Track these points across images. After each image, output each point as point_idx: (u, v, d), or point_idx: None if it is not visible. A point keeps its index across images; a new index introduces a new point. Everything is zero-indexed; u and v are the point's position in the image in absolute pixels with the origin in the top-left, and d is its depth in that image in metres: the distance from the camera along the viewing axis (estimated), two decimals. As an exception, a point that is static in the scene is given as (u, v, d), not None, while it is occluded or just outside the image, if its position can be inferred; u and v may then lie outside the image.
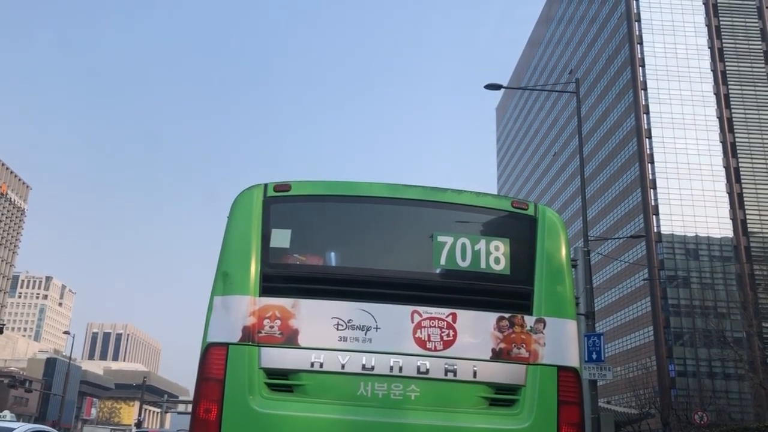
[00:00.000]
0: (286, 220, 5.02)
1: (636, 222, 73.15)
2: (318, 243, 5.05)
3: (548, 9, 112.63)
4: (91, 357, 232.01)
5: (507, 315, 4.77)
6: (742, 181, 73.66)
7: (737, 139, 75.23)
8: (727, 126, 75.38)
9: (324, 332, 4.63)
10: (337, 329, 4.64)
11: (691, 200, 72.06)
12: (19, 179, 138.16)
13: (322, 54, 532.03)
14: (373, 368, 4.56)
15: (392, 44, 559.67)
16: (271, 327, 4.64)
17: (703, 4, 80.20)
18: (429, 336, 4.65)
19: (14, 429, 9.39)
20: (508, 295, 4.86)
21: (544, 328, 4.77)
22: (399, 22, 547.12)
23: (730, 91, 76.80)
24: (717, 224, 71.73)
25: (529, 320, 4.78)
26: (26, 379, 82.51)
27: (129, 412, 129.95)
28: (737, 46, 78.93)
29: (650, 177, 73.12)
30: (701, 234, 71.37)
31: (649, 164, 73.59)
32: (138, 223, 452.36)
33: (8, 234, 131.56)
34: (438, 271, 4.91)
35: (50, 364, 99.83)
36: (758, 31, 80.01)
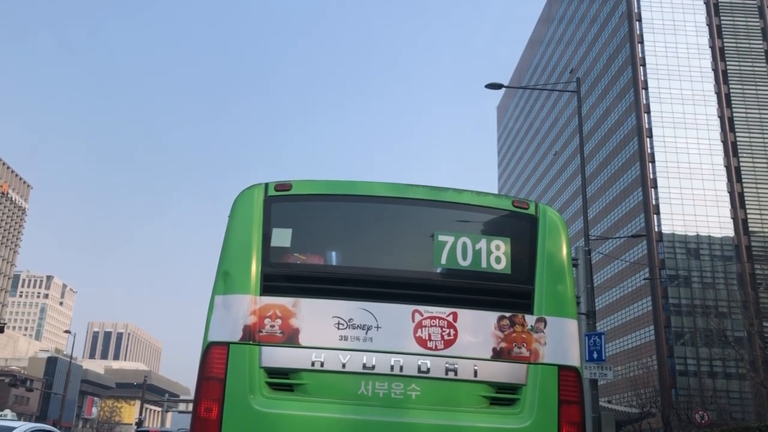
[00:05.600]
0: (286, 219, 5.02)
1: (637, 221, 73.13)
2: (319, 242, 5.05)
3: (549, 8, 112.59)
4: (92, 356, 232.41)
5: (508, 314, 4.77)
6: (743, 180, 73.63)
7: (738, 139, 75.19)
8: (728, 125, 75.35)
9: (325, 331, 4.63)
10: (338, 328, 4.64)
11: (692, 199, 72.05)
12: (20, 179, 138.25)
13: (322, 54, 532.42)
14: (373, 367, 4.56)
15: (392, 44, 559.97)
16: (272, 326, 4.64)
17: (704, 3, 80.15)
18: (430, 335, 4.66)
19: (15, 428, 9.38)
20: (508, 294, 4.86)
21: (544, 327, 4.77)
22: (399, 22, 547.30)
23: (731, 91, 76.77)
24: (718, 223, 71.70)
25: (530, 319, 4.78)
26: (27, 378, 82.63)
27: (130, 412, 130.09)
28: (738, 45, 78.88)
29: (651, 176, 73.10)
30: (702, 233, 71.35)
31: (650, 163, 73.57)
32: (139, 222, 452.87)
33: (9, 233, 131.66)
34: (439, 270, 4.91)
35: (51, 363, 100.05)
36: (759, 30, 79.95)
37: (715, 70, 77.64)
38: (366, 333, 4.63)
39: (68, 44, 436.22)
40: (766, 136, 75.90)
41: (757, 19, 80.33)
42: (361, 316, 4.66)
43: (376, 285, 4.76)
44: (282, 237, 4.93)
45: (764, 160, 74.80)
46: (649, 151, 74.07)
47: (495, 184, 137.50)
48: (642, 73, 77.21)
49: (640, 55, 77.83)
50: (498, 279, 4.88)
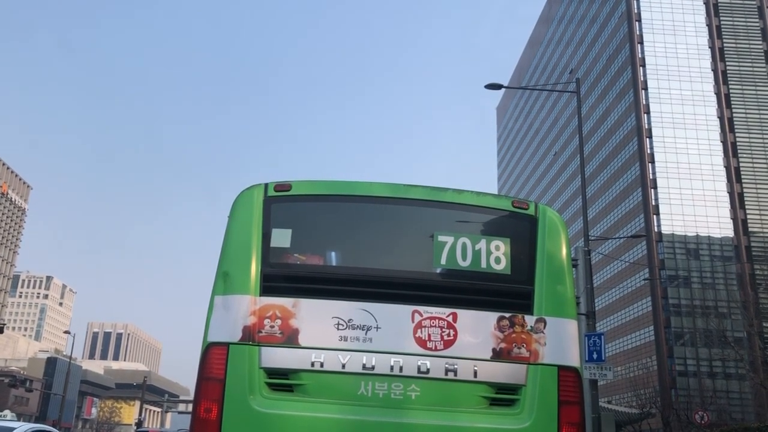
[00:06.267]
0: (286, 219, 5.02)
1: (636, 222, 73.14)
2: (318, 242, 5.04)
3: (548, 9, 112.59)
4: (91, 356, 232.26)
5: (507, 315, 4.76)
6: (743, 180, 73.64)
7: (738, 139, 75.22)
8: (727, 126, 75.36)
9: (324, 332, 4.63)
10: (338, 329, 4.63)
11: (692, 200, 72.05)
12: (20, 179, 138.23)
13: (322, 54, 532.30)
14: (373, 368, 4.56)
15: (392, 44, 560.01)
16: (272, 326, 4.64)
17: (704, 3, 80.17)
18: (429, 335, 4.65)
19: (15, 428, 9.39)
20: (508, 294, 4.85)
21: (544, 327, 4.77)
22: (399, 22, 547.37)
23: (731, 91, 76.78)
24: (717, 224, 71.71)
25: (530, 320, 4.77)
26: (27, 379, 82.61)
27: (129, 412, 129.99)
28: (738, 45, 78.89)
29: (651, 177, 73.11)
30: (702, 234, 71.35)
31: (650, 164, 73.58)
32: (138, 223, 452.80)
33: (9, 233, 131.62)
34: (438, 270, 4.91)
35: (51, 363, 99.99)
36: (759, 31, 79.97)
37: (714, 70, 77.65)
38: (366, 333, 4.63)
39: (68, 44, 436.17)
40: (765, 136, 75.92)
41: (757, 20, 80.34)
42: (360, 317, 4.65)
43: (376, 285, 4.76)
44: (282, 237, 4.92)
45: (764, 161, 74.81)
46: (648, 151, 74.07)
47: (495, 185, 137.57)
48: (642, 74, 77.22)
49: (640, 56, 77.83)
50: (498, 279, 4.88)
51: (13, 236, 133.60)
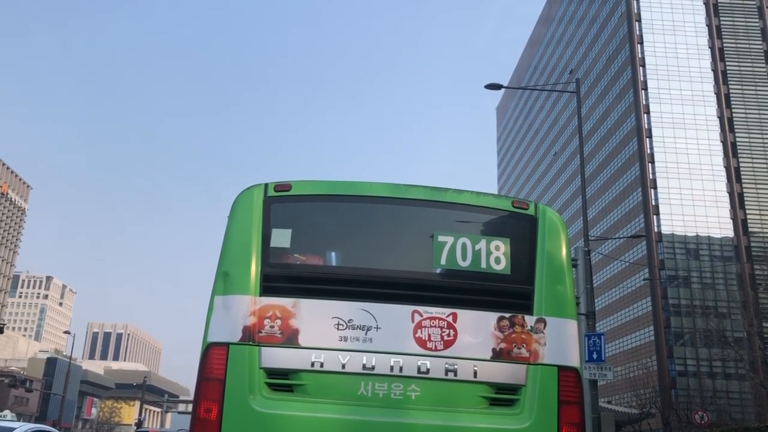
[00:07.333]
0: (286, 219, 5.02)
1: (636, 222, 73.14)
2: (318, 243, 5.04)
3: (548, 9, 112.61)
4: (91, 357, 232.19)
5: (507, 315, 4.76)
6: (743, 180, 73.64)
7: (738, 139, 75.22)
8: (727, 126, 75.36)
9: (324, 332, 4.63)
10: (338, 329, 4.63)
11: (692, 200, 72.05)
12: (20, 179, 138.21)
13: (322, 53, 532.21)
14: (373, 368, 4.56)
15: (392, 44, 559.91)
16: (272, 327, 4.64)
17: (704, 3, 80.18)
18: (429, 336, 4.65)
19: (15, 429, 9.39)
20: (508, 294, 4.85)
21: (544, 327, 4.77)
22: (399, 21, 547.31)
23: (731, 91, 76.78)
24: (717, 224, 71.71)
25: (530, 320, 4.77)
26: (27, 379, 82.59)
27: (129, 412, 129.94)
28: (738, 45, 78.90)
29: (651, 177, 73.11)
30: (702, 234, 71.35)
31: (650, 164, 73.58)
32: (138, 223, 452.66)
33: (9, 234, 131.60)
34: (438, 270, 4.91)
35: (51, 363, 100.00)
36: (759, 31, 79.98)
37: (714, 70, 77.65)
38: (366, 333, 4.63)
39: (68, 43, 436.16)
40: (765, 136, 75.92)
41: (757, 20, 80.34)
42: (360, 317, 4.65)
43: (376, 285, 4.76)
44: (281, 237, 4.92)
45: (764, 161, 74.82)
46: (648, 151, 74.07)
47: (495, 185, 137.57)
48: (641, 74, 77.22)
49: (640, 56, 77.83)
50: (498, 279, 4.87)
51: (13, 236, 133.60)
